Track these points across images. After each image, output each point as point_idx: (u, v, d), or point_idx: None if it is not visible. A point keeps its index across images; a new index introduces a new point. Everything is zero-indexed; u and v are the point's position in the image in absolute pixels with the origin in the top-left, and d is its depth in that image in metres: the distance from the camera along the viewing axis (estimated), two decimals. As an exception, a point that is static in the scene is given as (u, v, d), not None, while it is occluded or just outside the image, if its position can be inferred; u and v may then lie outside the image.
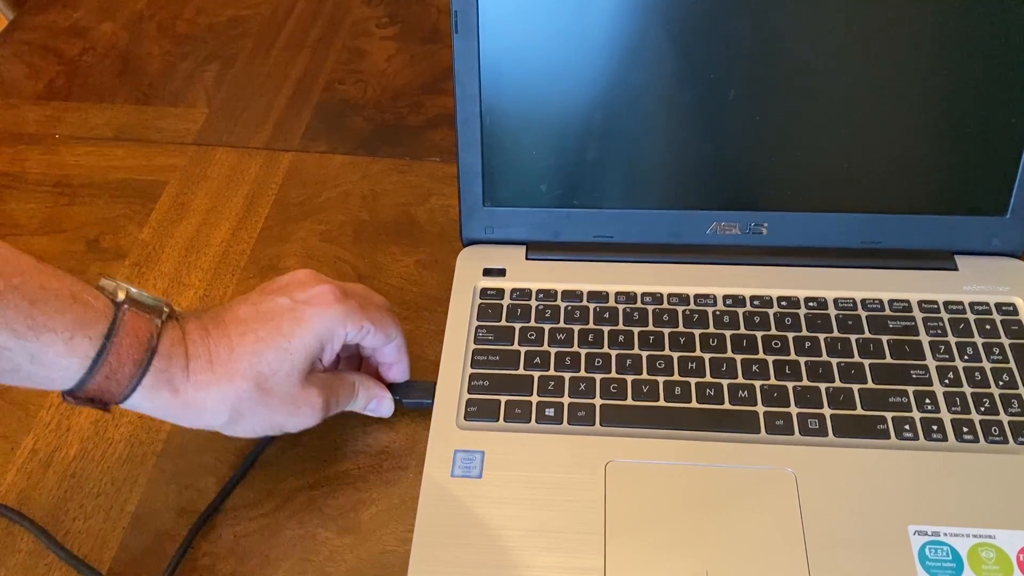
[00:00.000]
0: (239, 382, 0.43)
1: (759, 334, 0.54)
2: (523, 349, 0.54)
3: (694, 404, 0.51)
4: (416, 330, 0.59)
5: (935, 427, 0.50)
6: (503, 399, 0.51)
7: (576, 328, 0.55)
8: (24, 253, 0.39)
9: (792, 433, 0.50)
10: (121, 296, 0.41)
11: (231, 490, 0.51)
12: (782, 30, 0.52)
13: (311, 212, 0.68)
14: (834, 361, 0.53)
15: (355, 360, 0.54)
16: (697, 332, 0.54)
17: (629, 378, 0.52)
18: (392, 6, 0.87)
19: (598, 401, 0.51)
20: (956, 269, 0.58)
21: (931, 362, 0.53)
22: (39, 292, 0.38)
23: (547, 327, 0.55)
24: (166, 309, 0.43)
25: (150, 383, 0.41)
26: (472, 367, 0.53)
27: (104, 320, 0.40)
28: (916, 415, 0.50)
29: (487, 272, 0.58)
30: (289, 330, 0.44)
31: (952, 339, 0.54)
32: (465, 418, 0.51)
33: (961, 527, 0.45)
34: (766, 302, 0.56)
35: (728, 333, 0.54)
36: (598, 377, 0.52)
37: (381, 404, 0.51)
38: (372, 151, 0.73)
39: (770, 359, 0.53)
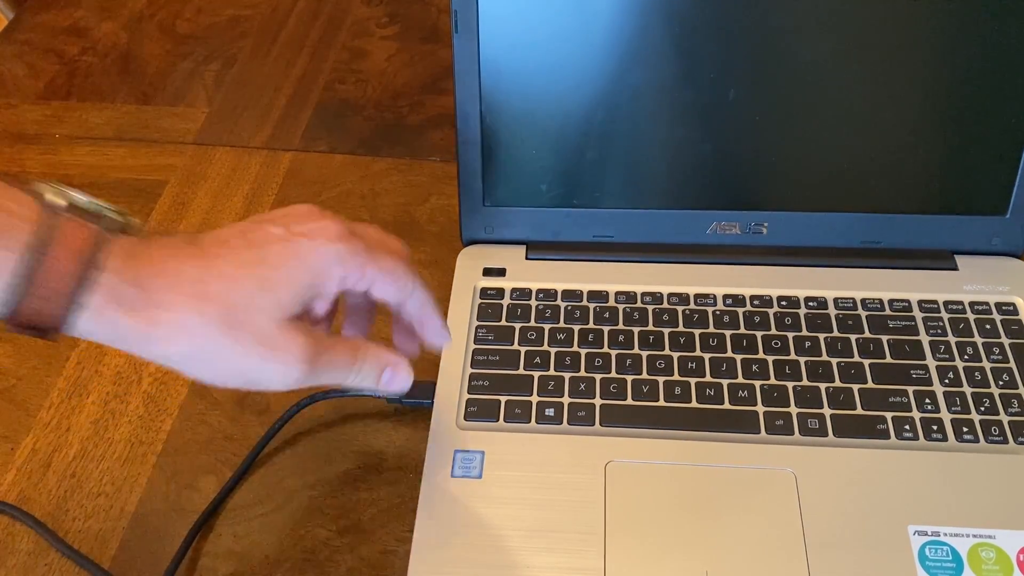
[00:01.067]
0: (206, 307, 0.35)
1: (759, 334, 0.54)
2: (523, 349, 0.54)
3: (694, 404, 0.51)
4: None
5: (935, 427, 0.50)
6: (503, 399, 0.51)
7: (576, 328, 0.55)
8: None
9: (792, 433, 0.50)
10: (57, 201, 0.34)
11: (232, 489, 0.51)
12: (782, 30, 0.52)
13: (311, 212, 0.67)
14: (834, 361, 0.53)
15: (362, 323, 0.46)
16: (697, 332, 0.54)
17: (629, 378, 0.52)
18: (392, 6, 0.87)
19: (598, 401, 0.51)
20: (956, 269, 0.58)
21: (931, 362, 0.53)
22: None
23: (547, 327, 0.55)
24: (120, 219, 0.36)
25: (98, 304, 0.33)
26: (472, 367, 0.53)
27: (29, 228, 0.32)
28: (916, 415, 0.50)
29: (487, 272, 0.58)
30: (276, 260, 0.36)
31: (952, 339, 0.54)
32: (465, 418, 0.51)
33: (961, 527, 0.45)
34: (766, 302, 0.56)
35: (728, 333, 0.54)
36: (598, 377, 0.52)
37: (396, 374, 0.41)
38: (372, 151, 0.73)
39: (770, 359, 0.53)
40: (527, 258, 0.59)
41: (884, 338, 0.54)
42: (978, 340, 0.53)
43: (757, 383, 0.52)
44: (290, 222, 0.38)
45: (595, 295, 0.57)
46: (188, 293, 0.35)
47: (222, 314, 0.35)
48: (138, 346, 0.35)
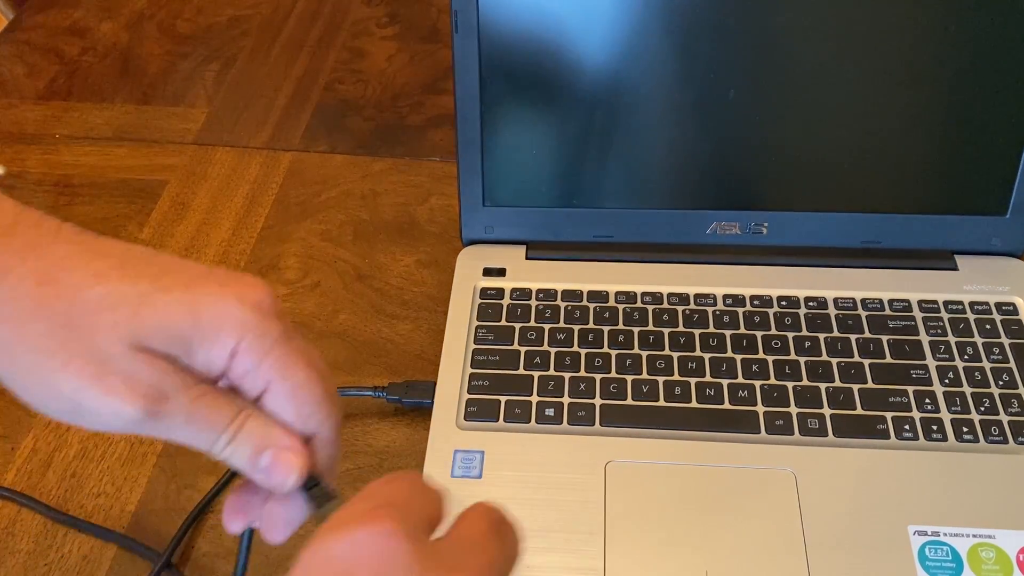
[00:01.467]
0: (47, 298, 0.27)
1: (759, 334, 0.54)
2: (523, 349, 0.54)
3: (694, 404, 0.51)
4: (416, 330, 0.59)
5: (935, 427, 0.50)
6: (503, 399, 0.51)
7: (576, 328, 0.55)
8: None
9: (792, 433, 0.50)
10: None
11: (228, 483, 0.51)
12: (782, 30, 0.52)
13: (311, 212, 0.68)
14: (834, 361, 0.53)
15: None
16: (697, 332, 0.54)
17: (629, 378, 0.52)
18: (392, 6, 0.87)
19: (598, 401, 0.51)
20: (956, 269, 0.58)
21: (931, 362, 0.53)
22: None
23: (547, 327, 0.55)
24: None
25: None
26: (472, 367, 0.53)
27: None
28: (916, 415, 0.50)
29: (487, 272, 0.58)
30: (163, 284, 0.28)
31: (952, 339, 0.54)
32: (465, 418, 0.51)
33: (961, 527, 0.45)
34: (766, 302, 0.56)
35: (728, 333, 0.54)
36: (598, 377, 0.52)
37: (279, 460, 0.29)
38: (372, 151, 0.73)
39: (770, 359, 0.53)
40: (527, 258, 0.59)
41: (884, 338, 0.54)
42: (978, 340, 0.53)
43: (757, 383, 0.52)
44: (223, 271, 0.30)
45: (595, 295, 0.57)
46: (32, 283, 0.27)
47: (59, 312, 0.27)
48: None
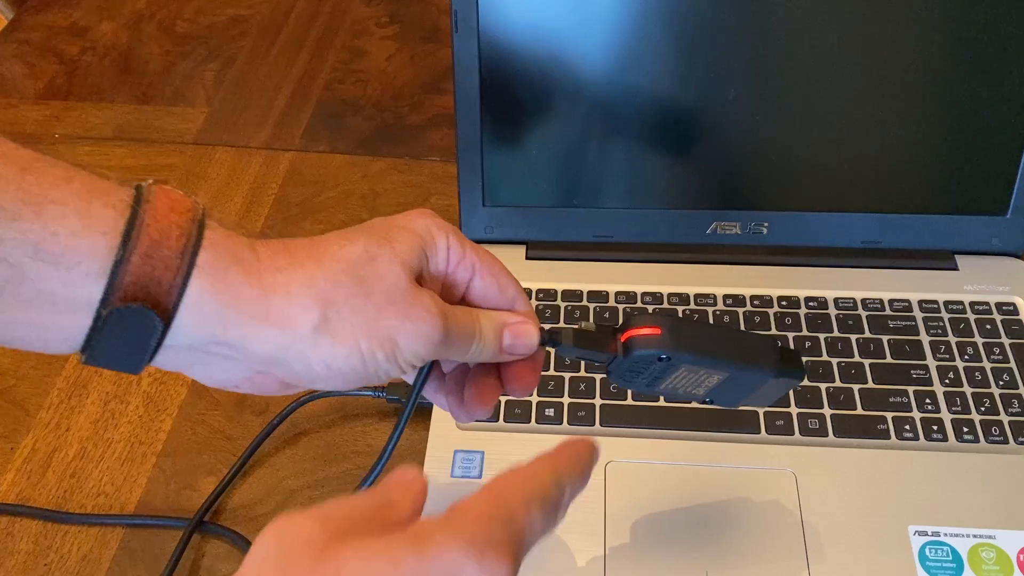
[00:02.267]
0: (329, 263, 0.30)
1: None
2: (523, 349, 0.54)
3: (694, 404, 0.51)
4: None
5: (935, 427, 0.49)
6: (503, 399, 0.51)
7: (576, 328, 0.55)
8: None
9: (792, 433, 0.50)
10: (140, 182, 0.30)
11: (230, 482, 0.51)
12: (782, 30, 0.52)
13: (311, 212, 0.68)
14: (834, 361, 0.53)
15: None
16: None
17: (629, 378, 0.52)
18: (392, 5, 0.87)
19: (598, 401, 0.51)
20: (956, 269, 0.57)
21: (931, 362, 0.52)
22: (31, 159, 0.27)
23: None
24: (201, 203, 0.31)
25: (210, 260, 0.28)
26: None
27: (126, 188, 0.28)
28: (916, 415, 0.50)
29: (487, 272, 0.58)
30: (384, 229, 0.32)
31: (952, 339, 0.54)
32: (465, 418, 0.51)
33: (961, 527, 0.45)
34: (766, 302, 0.56)
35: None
36: (598, 377, 0.52)
37: (522, 334, 0.35)
38: (372, 151, 0.73)
39: (770, 359, 0.53)
40: (527, 258, 0.59)
41: (884, 338, 0.54)
42: (978, 340, 0.53)
43: (757, 383, 0.52)
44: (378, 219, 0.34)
45: (595, 295, 0.57)
46: (305, 255, 0.30)
47: (346, 270, 0.30)
48: (254, 320, 0.29)
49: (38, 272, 0.26)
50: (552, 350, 0.36)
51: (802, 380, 0.37)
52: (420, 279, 0.33)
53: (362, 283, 0.30)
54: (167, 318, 0.28)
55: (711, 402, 0.38)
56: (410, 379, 0.35)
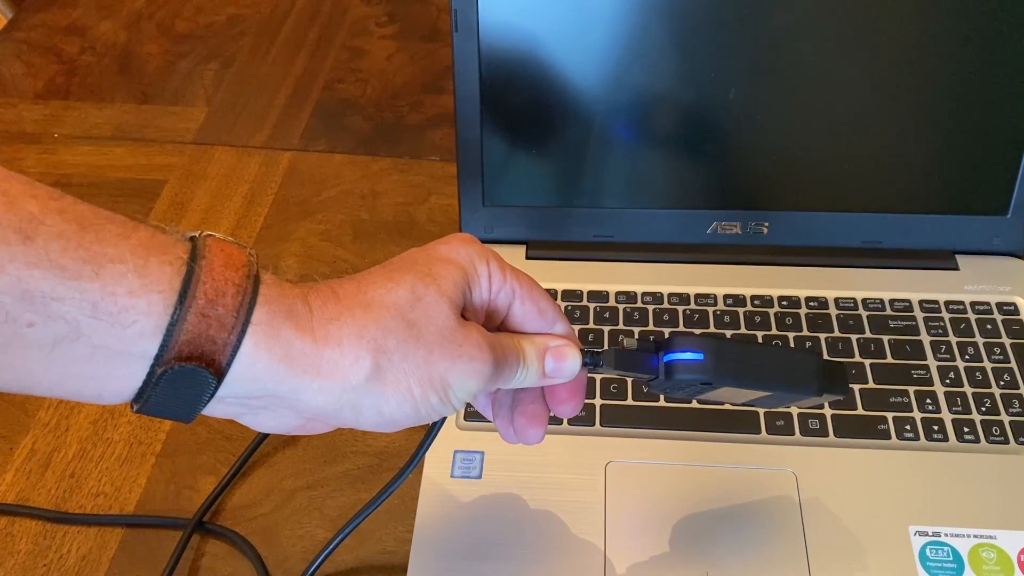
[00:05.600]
0: (378, 311, 0.30)
1: (759, 334, 0.54)
2: (523, 349, 0.54)
3: (694, 404, 0.51)
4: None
5: (936, 427, 0.49)
6: (503, 399, 0.51)
7: (576, 328, 0.55)
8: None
9: (792, 433, 0.49)
10: (192, 233, 0.30)
11: (231, 481, 0.51)
12: (782, 30, 0.52)
13: (311, 211, 0.67)
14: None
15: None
16: (698, 332, 0.54)
17: (629, 378, 0.52)
18: (392, 5, 0.87)
19: (598, 401, 0.51)
20: (957, 269, 0.57)
21: (932, 362, 0.52)
22: (90, 216, 0.26)
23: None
24: (255, 253, 0.31)
25: (264, 317, 0.28)
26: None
27: (182, 244, 0.28)
28: (917, 415, 0.50)
29: (487, 272, 0.58)
30: (426, 263, 0.33)
31: (953, 339, 0.54)
32: (465, 418, 0.51)
33: (962, 527, 0.45)
34: (767, 302, 0.56)
35: (728, 333, 0.54)
36: (598, 377, 0.52)
37: (564, 357, 0.35)
38: (372, 150, 0.72)
39: (770, 359, 0.53)
40: (527, 258, 0.59)
41: (885, 338, 0.54)
42: (979, 340, 0.53)
43: (757, 383, 0.52)
44: (422, 246, 0.35)
45: (595, 295, 0.57)
46: (355, 303, 0.31)
47: (396, 316, 0.31)
48: (307, 375, 0.29)
49: (94, 329, 0.26)
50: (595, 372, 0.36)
51: (845, 395, 0.38)
52: (464, 311, 0.33)
53: (411, 327, 0.31)
54: (220, 375, 0.28)
55: (752, 406, 0.39)
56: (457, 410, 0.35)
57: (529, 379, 0.35)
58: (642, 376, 0.36)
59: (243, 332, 0.28)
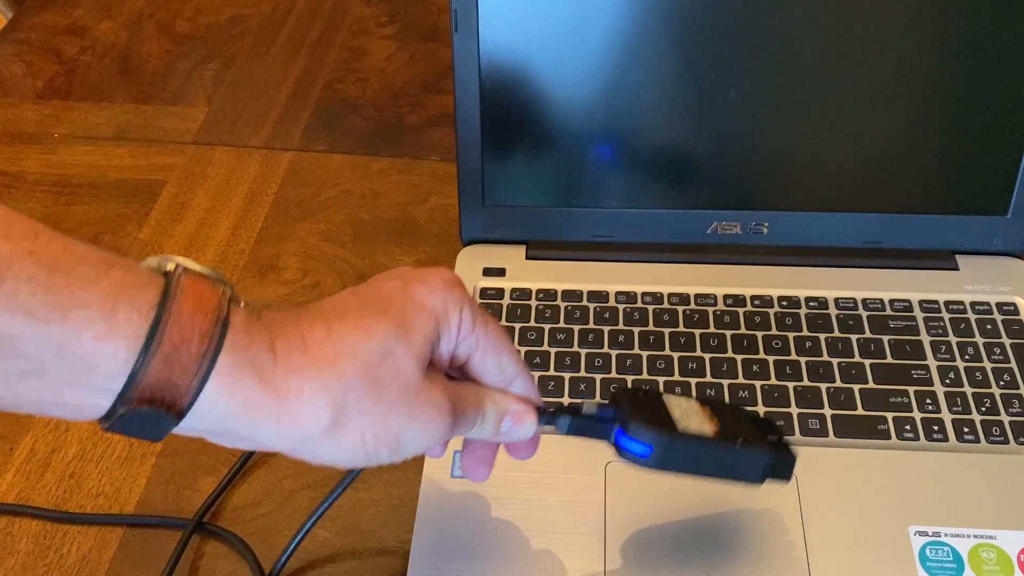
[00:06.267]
0: (344, 364, 0.31)
1: (759, 334, 0.54)
2: (523, 349, 0.54)
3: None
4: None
5: (936, 427, 0.49)
6: (503, 399, 0.51)
7: (576, 328, 0.55)
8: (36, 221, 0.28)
9: (792, 433, 0.49)
10: (170, 266, 0.30)
11: (230, 483, 0.51)
12: (782, 30, 0.52)
13: (311, 211, 0.67)
14: (835, 361, 0.53)
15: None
16: (697, 332, 0.54)
17: (629, 378, 0.52)
18: (392, 5, 0.87)
19: (598, 401, 0.51)
20: (957, 269, 0.57)
21: (932, 362, 0.52)
22: (61, 257, 0.27)
23: (547, 327, 0.55)
24: (230, 287, 0.31)
25: (227, 366, 0.29)
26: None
27: (154, 286, 0.28)
28: (917, 415, 0.50)
29: (487, 272, 0.58)
30: (401, 307, 0.33)
31: (953, 339, 0.54)
32: (465, 418, 0.51)
33: (962, 527, 0.45)
34: (766, 302, 0.56)
35: (728, 333, 0.54)
36: (598, 377, 0.52)
37: (520, 422, 0.37)
38: (372, 150, 0.72)
39: (770, 359, 0.53)
40: (527, 258, 0.59)
41: (885, 338, 0.54)
42: (979, 340, 0.53)
43: (758, 383, 0.52)
44: (402, 274, 0.35)
45: (595, 295, 0.57)
46: (321, 354, 0.31)
47: (361, 372, 0.31)
48: (273, 426, 0.30)
49: (59, 368, 0.26)
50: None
51: (787, 482, 0.40)
52: (431, 358, 0.34)
53: (375, 384, 0.31)
54: (180, 415, 0.29)
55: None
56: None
57: (484, 435, 0.36)
58: (597, 439, 0.38)
59: (205, 379, 0.28)
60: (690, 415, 0.39)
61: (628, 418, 0.37)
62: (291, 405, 0.30)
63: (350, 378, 0.31)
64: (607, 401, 0.39)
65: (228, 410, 0.29)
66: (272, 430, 0.30)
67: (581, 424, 0.38)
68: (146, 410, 0.28)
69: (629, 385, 0.42)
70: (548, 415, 0.37)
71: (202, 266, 0.31)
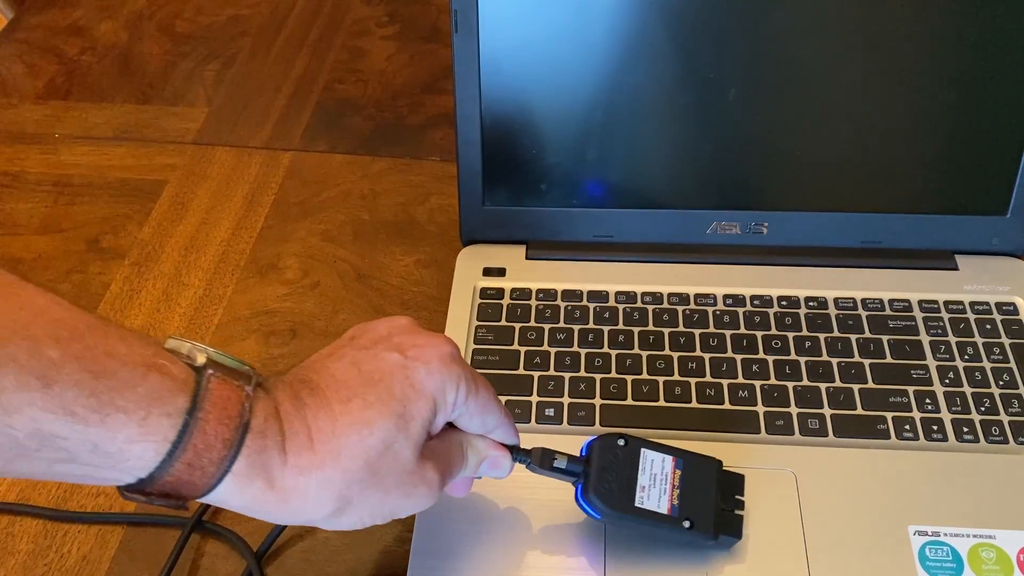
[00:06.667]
0: (347, 461, 0.34)
1: (759, 334, 0.54)
2: (523, 349, 0.54)
3: (694, 404, 0.51)
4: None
5: (935, 427, 0.49)
6: (503, 399, 0.51)
7: (576, 328, 0.55)
8: (82, 310, 0.30)
9: (792, 433, 0.50)
10: (200, 359, 0.32)
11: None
12: (782, 30, 0.52)
13: (311, 212, 0.68)
14: (834, 361, 0.53)
15: None
16: (697, 332, 0.54)
17: (629, 378, 0.52)
18: (392, 5, 0.87)
19: (598, 401, 0.51)
20: (956, 269, 0.57)
21: (931, 362, 0.52)
22: (105, 361, 0.29)
23: (547, 327, 0.55)
24: (253, 374, 0.34)
25: (242, 469, 0.32)
26: (472, 367, 0.53)
27: (185, 391, 0.31)
28: (916, 415, 0.50)
29: (487, 272, 0.58)
30: (403, 393, 0.35)
31: (952, 339, 0.54)
32: (465, 418, 0.51)
33: (961, 527, 0.45)
34: (766, 302, 0.56)
35: (728, 333, 0.54)
36: (598, 377, 0.52)
37: (496, 465, 0.41)
38: (372, 151, 0.73)
39: (770, 359, 0.53)
40: (527, 258, 0.59)
41: (884, 338, 0.54)
42: (978, 340, 0.53)
43: (757, 383, 0.52)
44: (400, 343, 0.37)
45: (595, 295, 0.57)
46: (327, 451, 0.33)
47: (363, 467, 0.34)
48: (279, 515, 0.33)
49: (90, 459, 0.29)
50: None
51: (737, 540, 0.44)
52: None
53: (375, 475, 0.34)
54: (189, 501, 0.32)
55: None
56: None
57: (464, 475, 0.40)
58: (566, 481, 0.43)
59: (221, 479, 0.31)
60: (655, 483, 0.42)
61: (587, 484, 0.42)
62: (297, 501, 0.33)
63: (352, 473, 0.34)
64: (579, 456, 0.42)
65: (237, 502, 0.32)
66: (275, 516, 0.33)
67: (551, 472, 0.42)
68: (162, 501, 0.31)
69: (617, 430, 0.43)
70: (523, 454, 0.41)
71: (229, 357, 0.33)
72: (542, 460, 0.42)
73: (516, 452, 0.41)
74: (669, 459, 0.43)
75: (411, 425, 0.35)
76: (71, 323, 0.29)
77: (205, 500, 0.32)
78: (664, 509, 0.42)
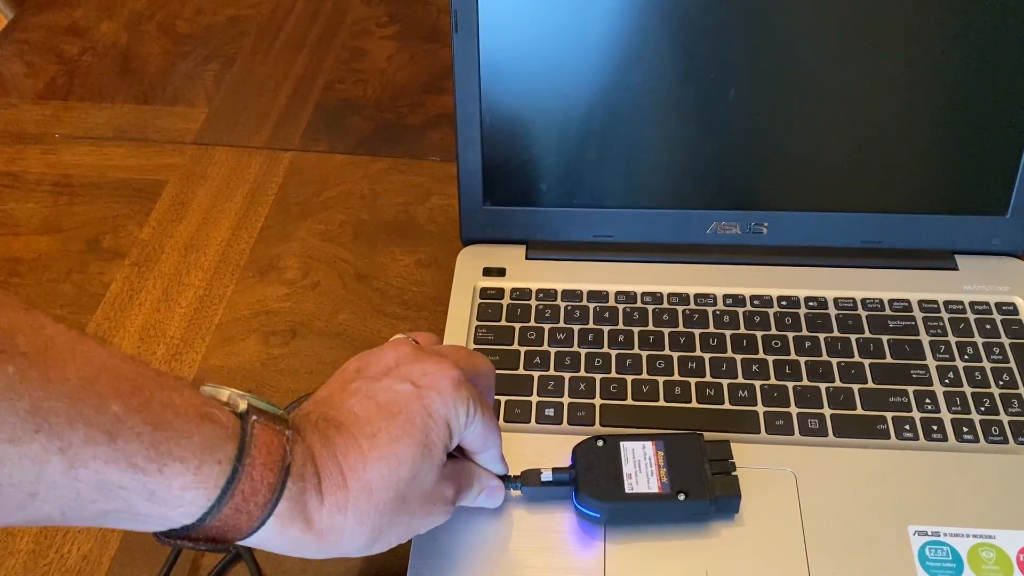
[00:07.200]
0: (379, 494, 0.35)
1: (759, 334, 0.54)
2: (523, 349, 0.54)
3: (694, 404, 0.51)
4: (416, 330, 0.58)
5: (935, 427, 0.49)
6: (503, 399, 0.51)
7: (576, 328, 0.55)
8: (137, 360, 0.32)
9: (792, 433, 0.50)
10: (242, 406, 0.34)
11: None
12: (782, 30, 0.52)
13: (311, 212, 0.68)
14: (834, 361, 0.53)
15: None
16: (697, 332, 0.54)
17: (629, 378, 0.52)
18: (392, 5, 0.87)
19: (598, 401, 0.51)
20: (956, 269, 0.57)
21: (931, 362, 0.53)
22: (162, 412, 0.30)
23: (547, 327, 0.55)
24: (288, 417, 0.36)
25: (284, 511, 0.33)
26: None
27: (232, 438, 0.32)
28: (916, 415, 0.50)
29: (487, 272, 0.58)
30: (423, 423, 0.37)
31: (952, 339, 0.54)
32: (465, 418, 0.51)
33: (961, 527, 0.45)
34: (766, 302, 0.56)
35: (728, 333, 0.54)
36: (598, 377, 0.52)
37: (492, 495, 0.44)
38: (372, 151, 0.73)
39: (770, 359, 0.53)
40: (527, 258, 0.59)
41: (884, 338, 0.54)
42: (978, 340, 0.53)
43: (757, 383, 0.52)
44: (410, 373, 0.38)
45: (595, 295, 0.57)
46: (360, 488, 0.35)
47: (393, 497, 0.36)
48: (318, 551, 0.35)
49: (145, 508, 0.30)
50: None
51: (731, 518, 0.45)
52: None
53: (403, 502, 0.37)
54: (232, 544, 0.34)
55: None
56: None
57: (467, 501, 0.43)
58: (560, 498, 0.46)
59: (264, 521, 0.33)
60: (641, 468, 0.44)
61: (579, 485, 0.44)
62: (333, 538, 0.35)
63: (384, 504, 0.36)
64: (564, 466, 0.45)
65: (278, 543, 0.34)
66: (314, 553, 0.35)
67: (542, 491, 0.45)
68: (204, 545, 0.33)
69: (593, 435, 0.46)
70: (512, 480, 0.45)
71: (264, 401, 0.35)
72: (529, 479, 0.45)
73: (506, 480, 0.44)
74: (649, 444, 0.45)
75: (434, 452, 0.37)
76: (131, 376, 0.30)
77: (247, 543, 0.33)
78: (655, 489, 0.43)
